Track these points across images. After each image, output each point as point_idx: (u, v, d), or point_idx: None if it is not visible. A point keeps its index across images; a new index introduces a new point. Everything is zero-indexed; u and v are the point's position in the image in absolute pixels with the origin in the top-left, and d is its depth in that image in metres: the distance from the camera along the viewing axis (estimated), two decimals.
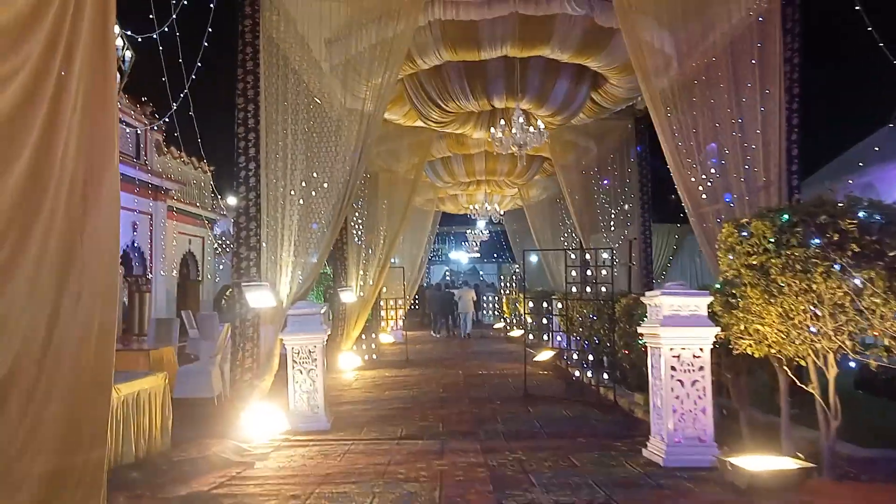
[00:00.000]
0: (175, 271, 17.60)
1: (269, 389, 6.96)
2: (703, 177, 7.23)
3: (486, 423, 6.97)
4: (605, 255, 8.06)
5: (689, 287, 5.40)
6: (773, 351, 4.70)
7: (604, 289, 8.33)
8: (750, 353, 4.85)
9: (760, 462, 4.33)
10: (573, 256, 8.31)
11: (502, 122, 8.04)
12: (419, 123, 11.35)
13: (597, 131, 12.90)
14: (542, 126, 8.15)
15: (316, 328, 7.16)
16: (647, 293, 5.55)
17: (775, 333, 4.59)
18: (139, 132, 15.06)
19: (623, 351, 8.04)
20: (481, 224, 25.29)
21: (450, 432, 6.56)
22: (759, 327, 4.66)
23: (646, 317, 7.16)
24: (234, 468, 5.23)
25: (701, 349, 5.14)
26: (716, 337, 5.15)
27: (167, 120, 9.58)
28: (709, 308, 5.21)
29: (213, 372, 8.64)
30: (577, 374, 8.92)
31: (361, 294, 12.92)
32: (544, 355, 13.09)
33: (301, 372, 7.07)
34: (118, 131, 3.28)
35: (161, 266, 15.78)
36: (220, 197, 19.79)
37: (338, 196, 7.74)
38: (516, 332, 19.16)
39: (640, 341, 7.31)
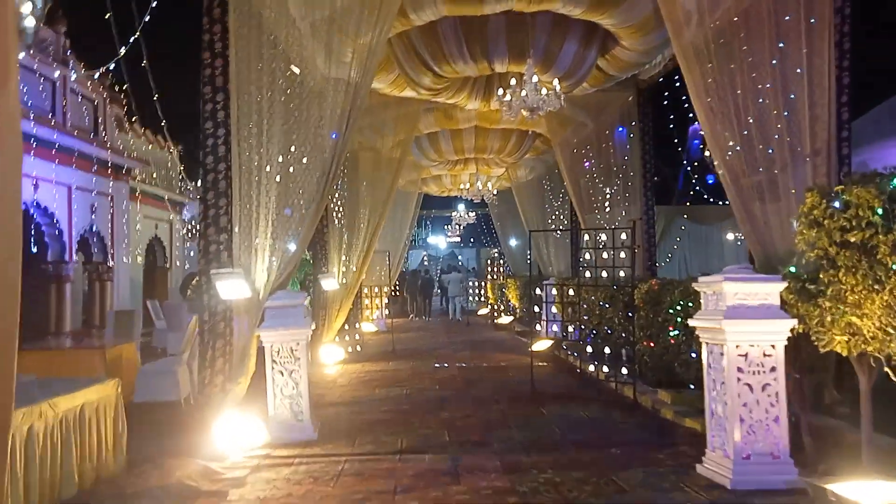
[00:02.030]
0: (140, 258, 16.39)
1: (245, 394, 5.95)
2: (738, 144, 6.33)
3: (497, 430, 6.05)
4: (623, 237, 7.16)
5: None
6: (870, 348, 3.83)
7: (622, 273, 7.43)
8: (839, 350, 3.98)
9: (871, 490, 3.47)
10: (586, 238, 7.40)
11: (513, 81, 7.05)
12: (407, 93, 10.31)
13: (595, 104, 11.94)
14: (557, 87, 7.19)
15: (298, 322, 6.16)
16: (703, 278, 4.65)
17: (875, 327, 3.72)
18: (97, 105, 13.78)
19: (644, 342, 7.18)
20: (461, 208, 24.39)
21: (459, 443, 5.63)
22: (855, 320, 3.78)
23: (679, 304, 6.31)
24: (202, 501, 4.23)
25: (773, 346, 4.26)
26: (790, 332, 4.27)
27: (111, 69, 8.47)
28: None
29: (179, 371, 7.59)
30: (591, 368, 8.04)
31: (344, 281, 11.92)
32: (541, 345, 12.25)
33: (282, 373, 6.07)
34: (16, 55, 2.23)
35: (124, 252, 14.54)
36: (188, 179, 18.60)
37: (321, 172, 6.72)
38: (504, 319, 18.34)
39: (671, 333, 6.46)
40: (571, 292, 7.92)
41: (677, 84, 11.55)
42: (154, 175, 16.85)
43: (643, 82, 11.40)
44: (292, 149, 6.75)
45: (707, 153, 11.20)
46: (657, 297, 6.79)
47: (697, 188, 18.22)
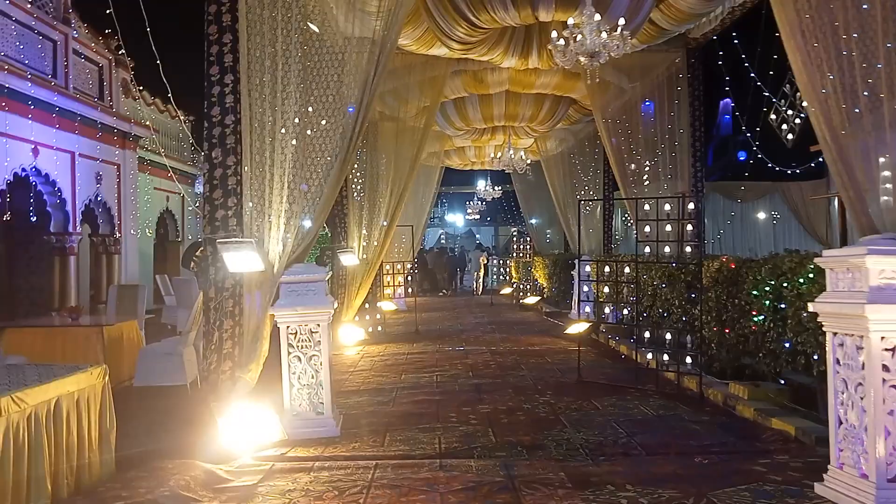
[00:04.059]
0: (150, 231, 15.67)
1: (256, 383, 5.12)
2: (840, 95, 5.33)
3: (550, 428, 5.17)
4: (690, 206, 6.21)
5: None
6: None
7: (688, 249, 6.50)
8: None
9: None
10: (647, 208, 6.46)
11: (570, 20, 6.04)
12: (435, 51, 9.35)
13: (640, 65, 10.87)
14: (623, 30, 6.14)
15: (319, 300, 5.32)
16: (831, 252, 3.71)
17: None
18: (101, 68, 12.93)
19: (715, 328, 6.25)
20: (480, 184, 23.41)
21: (507, 444, 4.76)
22: None
23: (768, 285, 5.37)
24: None
25: None
26: None
27: (117, 32, 7.58)
28: None
29: (185, 353, 6.80)
30: (648, 356, 7.12)
31: (364, 256, 11.07)
32: (577, 327, 11.38)
33: (299, 359, 5.23)
34: None
35: (132, 224, 13.78)
36: (200, 150, 17.82)
37: (343, 133, 5.84)
38: (531, 299, 17.44)
39: (754, 318, 5.53)
40: (627, 270, 7.01)
41: (735, 41, 10.54)
42: (164, 145, 16.06)
43: (694, 41, 10.36)
44: (310, 109, 5.85)
45: (773, 117, 10.14)
46: (734, 276, 5.84)
47: (747, 161, 16.95)
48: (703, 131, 10.94)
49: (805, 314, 4.71)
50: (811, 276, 4.59)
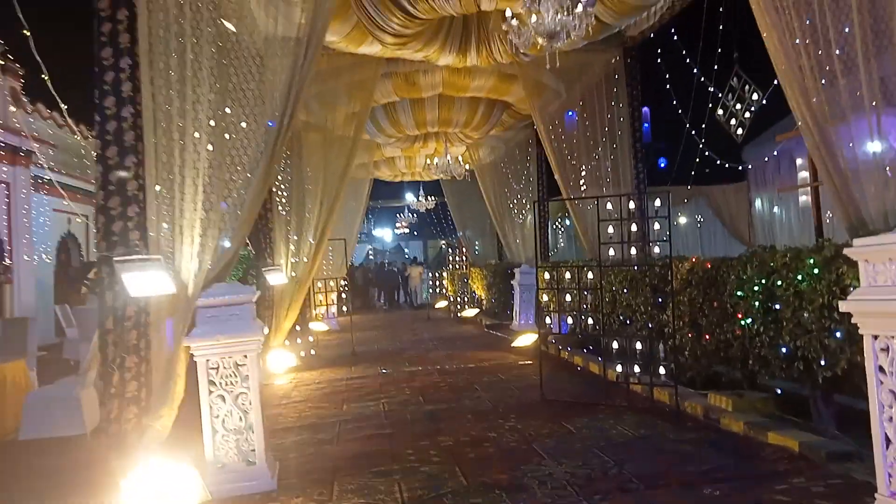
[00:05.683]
0: (49, 257, 14.11)
1: (170, 431, 4.18)
2: (822, 78, 4.93)
3: (527, 462, 4.45)
4: (657, 203, 5.70)
5: None
6: None
7: (657, 249, 5.98)
8: None
9: None
10: (609, 207, 5.92)
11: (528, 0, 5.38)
12: (365, 49, 8.59)
13: (576, 66, 10.47)
14: (587, 5, 5.54)
15: (246, 326, 4.44)
16: (864, 240, 3.15)
17: None
18: None
19: (690, 334, 5.71)
20: (409, 197, 22.78)
21: (482, 486, 4.01)
22: None
23: (757, 285, 4.85)
24: None
25: None
26: None
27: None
28: None
29: (83, 396, 5.74)
30: (618, 367, 6.54)
31: (293, 274, 10.13)
32: (524, 339, 10.82)
33: (224, 399, 4.33)
34: None
35: (26, 250, 12.29)
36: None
37: (266, 136, 5.01)
38: (469, 312, 16.82)
39: (740, 322, 5.01)
40: (591, 275, 6.44)
41: (674, 37, 10.29)
42: (65, 163, 14.56)
43: (631, 40, 10.08)
44: (228, 110, 4.98)
45: (720, 112, 9.89)
46: (711, 277, 5.33)
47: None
48: (642, 132, 10.66)
49: (806, 315, 4.21)
50: (815, 271, 4.10)
